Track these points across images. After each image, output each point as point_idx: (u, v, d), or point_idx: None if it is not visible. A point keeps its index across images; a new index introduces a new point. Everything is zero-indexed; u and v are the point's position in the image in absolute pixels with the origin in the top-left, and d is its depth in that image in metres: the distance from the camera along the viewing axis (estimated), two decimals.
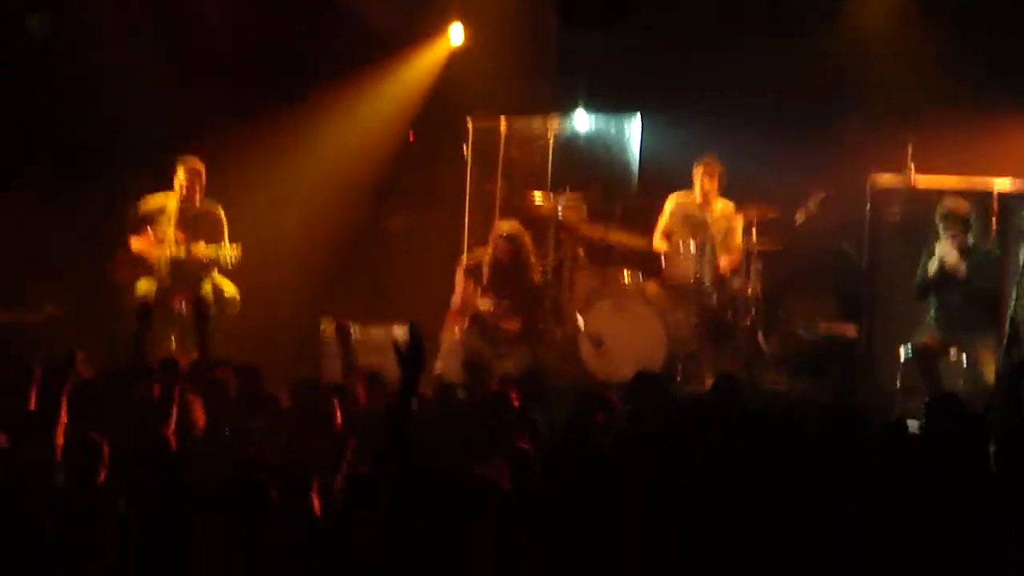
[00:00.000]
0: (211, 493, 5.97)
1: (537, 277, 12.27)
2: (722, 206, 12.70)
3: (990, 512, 6.29)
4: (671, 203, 12.84)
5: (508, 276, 12.10)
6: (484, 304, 12.10)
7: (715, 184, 12.67)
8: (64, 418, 7.36)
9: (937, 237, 11.27)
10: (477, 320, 12.08)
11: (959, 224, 11.17)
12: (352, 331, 10.59)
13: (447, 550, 5.56)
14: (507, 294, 12.07)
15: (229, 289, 12.26)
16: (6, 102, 13.19)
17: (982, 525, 6.16)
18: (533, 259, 12.28)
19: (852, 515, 6.15)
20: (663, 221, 12.83)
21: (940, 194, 11.80)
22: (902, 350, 11.34)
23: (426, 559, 5.52)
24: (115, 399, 7.96)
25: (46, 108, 13.30)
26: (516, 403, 8.32)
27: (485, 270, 12.20)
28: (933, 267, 11.21)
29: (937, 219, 11.24)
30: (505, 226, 12.43)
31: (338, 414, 8.08)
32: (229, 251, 12.04)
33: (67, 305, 13.00)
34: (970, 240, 11.23)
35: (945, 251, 11.16)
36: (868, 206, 12.47)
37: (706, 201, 12.72)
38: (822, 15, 13.38)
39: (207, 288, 12.19)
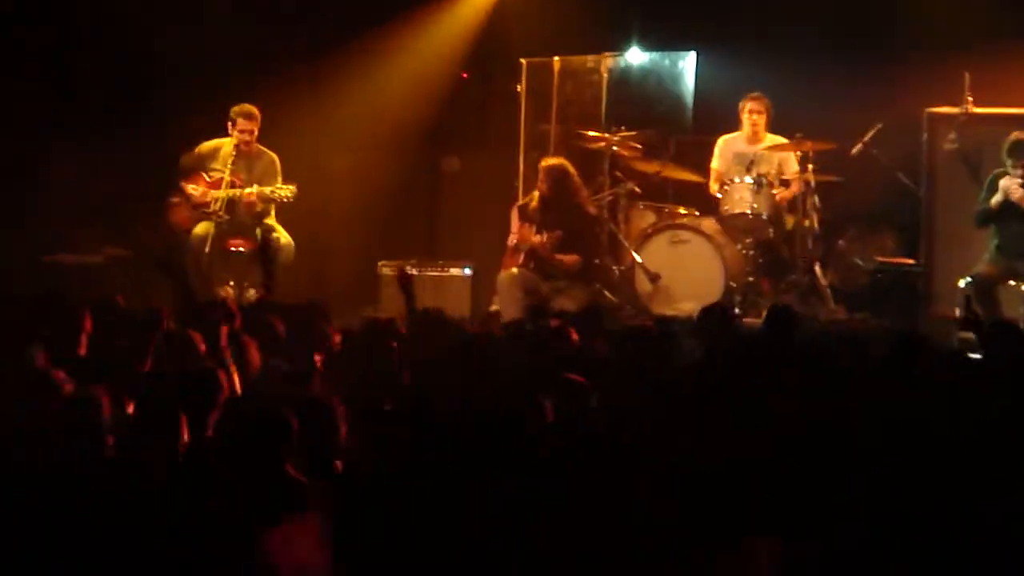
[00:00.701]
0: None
1: (590, 209, 12.20)
2: (771, 140, 12.66)
3: None
4: (720, 145, 12.86)
5: (557, 209, 12.04)
6: (536, 238, 12.04)
7: (763, 120, 12.66)
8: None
9: (1001, 167, 11.18)
10: (533, 255, 12.04)
11: None
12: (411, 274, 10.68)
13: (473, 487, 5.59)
14: (558, 226, 12.00)
15: (284, 236, 12.29)
16: (62, 48, 13.23)
17: None
18: (583, 191, 12.20)
19: (914, 442, 6.14)
20: (715, 164, 12.83)
21: (998, 121, 11.72)
22: (962, 280, 11.27)
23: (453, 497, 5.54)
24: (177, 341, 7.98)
25: (101, 54, 13.33)
26: (576, 339, 8.32)
27: (536, 207, 12.15)
28: (997, 198, 11.13)
29: (1004, 151, 11.15)
30: (547, 160, 12.40)
31: (396, 352, 8.13)
32: (285, 189, 12.09)
33: (128, 248, 13.07)
34: None
35: (1011, 183, 11.07)
36: (925, 136, 12.39)
37: (756, 137, 12.70)
38: None
39: (260, 233, 12.23)
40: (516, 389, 7.21)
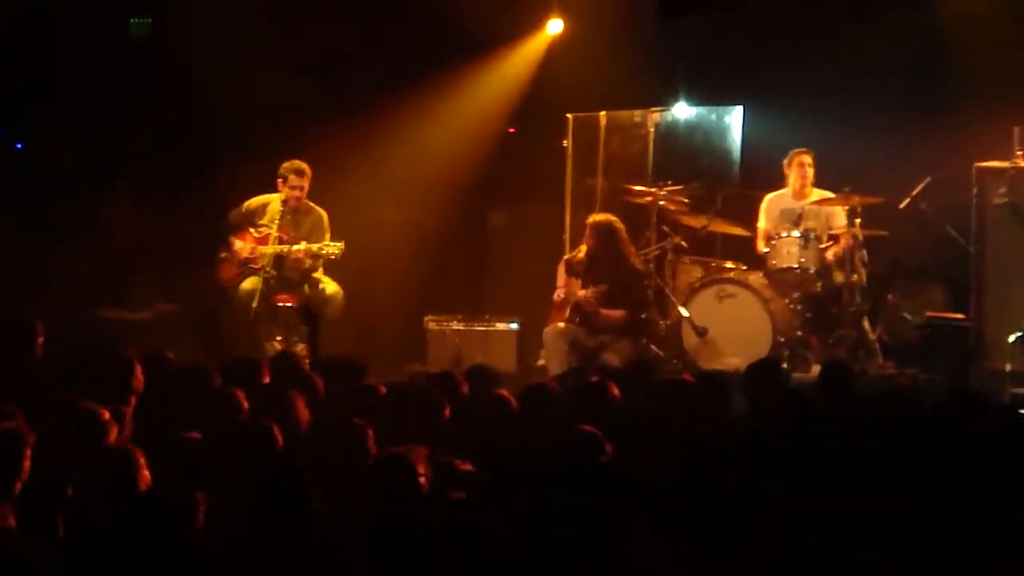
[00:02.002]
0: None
1: (636, 264, 12.18)
2: (818, 195, 12.64)
3: None
4: (765, 203, 12.86)
5: (603, 263, 12.02)
6: (582, 292, 12.02)
7: (807, 175, 12.66)
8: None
9: None
10: (578, 310, 12.00)
11: None
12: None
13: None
14: (604, 280, 11.97)
15: (331, 288, 12.32)
16: (114, 103, 13.34)
17: None
18: (630, 247, 12.18)
19: (969, 497, 6.08)
20: (761, 224, 12.83)
21: None
22: (1012, 334, 11.19)
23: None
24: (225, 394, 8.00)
25: (151, 109, 13.44)
26: (617, 394, 8.28)
27: (583, 261, 12.14)
28: None
29: None
30: (595, 216, 12.39)
31: (447, 405, 8.11)
32: (333, 247, 12.12)
33: (177, 303, 13.14)
34: None
35: None
36: (974, 190, 12.32)
37: (801, 192, 12.69)
38: (924, 1, 13.22)
39: (307, 288, 12.27)
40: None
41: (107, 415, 6.79)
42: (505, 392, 8.25)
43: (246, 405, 7.77)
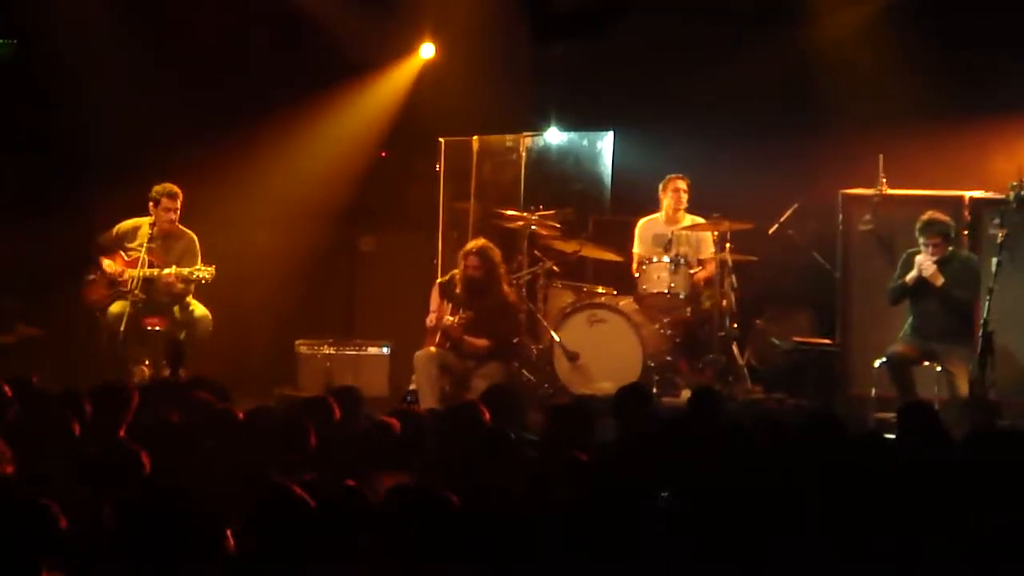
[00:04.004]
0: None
1: (509, 291, 12.19)
2: (689, 220, 12.75)
3: (960, 517, 6.28)
4: (639, 228, 12.95)
5: (474, 291, 12.02)
6: (449, 319, 12.01)
7: (680, 200, 12.75)
8: None
9: (914, 246, 11.29)
10: (447, 335, 12.01)
11: (939, 235, 11.18)
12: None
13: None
14: (472, 307, 11.97)
15: (200, 311, 12.20)
16: None
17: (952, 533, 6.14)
18: (502, 273, 12.19)
19: (831, 522, 6.15)
20: (636, 248, 12.90)
21: (912, 203, 11.87)
22: (877, 360, 11.34)
23: None
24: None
25: (17, 129, 13.25)
26: (487, 418, 8.26)
27: (457, 287, 12.13)
28: (911, 276, 11.21)
29: (917, 229, 11.25)
30: (472, 242, 12.40)
31: (312, 431, 8.04)
32: (204, 271, 12.01)
33: (41, 326, 12.96)
34: (949, 250, 11.23)
35: (923, 261, 11.16)
36: (840, 216, 12.50)
37: (673, 218, 12.79)
38: (792, 30, 13.39)
39: (177, 312, 12.16)
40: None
41: None
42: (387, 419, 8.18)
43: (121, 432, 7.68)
